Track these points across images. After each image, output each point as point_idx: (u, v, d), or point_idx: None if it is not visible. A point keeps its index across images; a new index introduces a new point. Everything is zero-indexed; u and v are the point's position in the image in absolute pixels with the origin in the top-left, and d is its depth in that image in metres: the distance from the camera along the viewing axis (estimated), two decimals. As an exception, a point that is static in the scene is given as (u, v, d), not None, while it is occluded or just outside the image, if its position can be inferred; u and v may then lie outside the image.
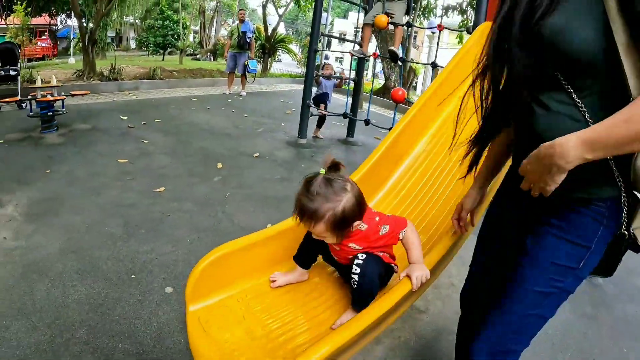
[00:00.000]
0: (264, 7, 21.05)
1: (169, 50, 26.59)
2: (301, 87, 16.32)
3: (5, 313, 2.74)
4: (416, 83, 24.31)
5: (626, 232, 1.36)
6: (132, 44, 40.85)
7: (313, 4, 21.82)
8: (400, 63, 7.14)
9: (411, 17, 17.13)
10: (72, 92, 8.02)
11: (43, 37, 29.15)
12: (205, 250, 3.29)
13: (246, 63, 12.01)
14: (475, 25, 5.04)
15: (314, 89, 7.91)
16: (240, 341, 1.97)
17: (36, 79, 7.71)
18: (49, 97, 6.97)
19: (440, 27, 6.09)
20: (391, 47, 6.70)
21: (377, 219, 2.09)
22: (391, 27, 6.79)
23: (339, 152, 7.58)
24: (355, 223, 1.97)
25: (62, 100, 7.25)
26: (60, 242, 3.65)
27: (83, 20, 14.12)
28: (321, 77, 8.18)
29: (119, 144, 6.54)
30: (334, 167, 2.01)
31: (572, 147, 1.17)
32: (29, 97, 7.10)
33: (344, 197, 1.88)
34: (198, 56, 29.93)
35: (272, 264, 2.46)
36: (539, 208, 1.51)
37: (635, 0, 1.12)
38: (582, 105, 1.29)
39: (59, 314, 2.78)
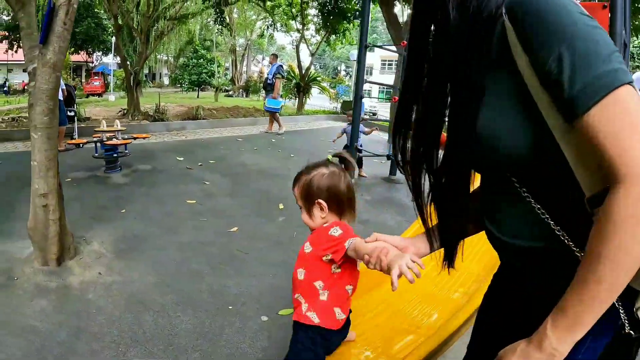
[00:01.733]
0: (297, 46, 21.60)
1: (202, 87, 27.29)
2: (336, 123, 16.78)
3: (118, 341, 3.10)
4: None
5: (631, 332, 1.09)
6: (166, 81, 41.85)
7: (341, 40, 22.45)
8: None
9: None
10: (134, 135, 8.47)
11: (96, 77, 30.25)
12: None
13: (264, 102, 12.75)
14: None
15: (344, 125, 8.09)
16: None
17: (101, 123, 8.10)
18: (115, 141, 7.41)
19: None
20: None
21: (337, 222, 2.02)
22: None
23: (383, 190, 7.91)
24: (319, 206, 2.03)
25: (125, 144, 7.69)
26: (153, 277, 4.02)
27: (127, 62, 14.76)
28: (345, 127, 8.50)
29: (183, 185, 6.94)
30: (342, 160, 2.13)
31: (558, 344, 0.99)
32: (94, 139, 7.52)
33: (319, 172, 2.04)
34: (231, 93, 30.56)
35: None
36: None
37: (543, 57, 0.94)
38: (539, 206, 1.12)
39: (170, 341, 3.13)
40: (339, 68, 62.96)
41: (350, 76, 49.01)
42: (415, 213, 1.45)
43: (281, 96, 13.02)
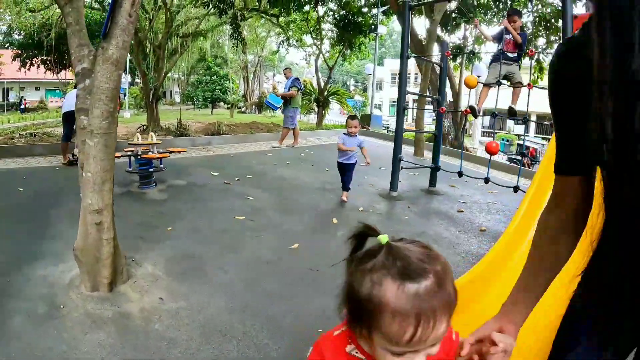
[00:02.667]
0: (316, 61, 21.43)
1: (214, 104, 27.19)
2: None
3: (205, 378, 2.67)
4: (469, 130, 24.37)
5: None
6: (177, 99, 41.89)
7: (357, 55, 22.30)
8: (520, 120, 7.49)
9: (462, 61, 17.51)
10: (170, 149, 8.13)
11: None
12: None
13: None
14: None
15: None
16: None
17: (136, 136, 7.77)
18: (152, 155, 7.03)
19: (530, 86, 6.39)
20: (511, 105, 7.24)
21: None
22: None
23: (427, 202, 7.72)
24: None
25: (161, 158, 7.28)
26: (224, 301, 3.65)
27: (146, 77, 14.55)
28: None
29: (225, 200, 6.59)
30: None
31: None
32: (128, 152, 7.14)
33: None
34: (243, 109, 30.47)
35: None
36: None
37: None
38: None
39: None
40: (348, 83, 63.22)
41: (364, 90, 49.22)
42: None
43: (298, 110, 12.71)
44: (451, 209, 7.30)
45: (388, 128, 21.29)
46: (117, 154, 7.46)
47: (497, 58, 7.33)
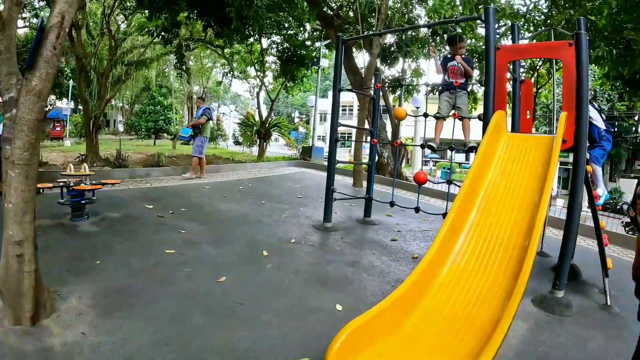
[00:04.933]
0: (258, 93, 21.54)
1: (157, 134, 26.94)
2: (299, 169, 16.64)
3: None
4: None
5: None
6: (120, 128, 41.30)
7: (299, 87, 22.57)
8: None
9: (401, 93, 17.94)
10: (103, 181, 8.01)
11: (57, 123, 30.18)
12: (294, 331, 3.66)
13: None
14: (485, 113, 5.82)
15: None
16: None
17: (68, 167, 7.65)
18: (84, 186, 6.94)
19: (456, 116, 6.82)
20: (466, 142, 7.11)
21: None
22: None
23: (362, 232, 7.82)
24: None
25: (94, 189, 7.19)
26: (148, 335, 3.64)
27: (88, 105, 14.40)
28: None
29: (159, 234, 6.53)
30: None
31: None
32: (60, 183, 7.01)
33: None
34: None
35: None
36: None
37: None
38: None
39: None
40: (292, 115, 63.61)
41: (306, 122, 49.55)
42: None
43: (208, 138, 12.83)
44: (385, 238, 7.49)
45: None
46: (49, 185, 7.44)
47: (446, 88, 7.27)
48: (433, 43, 15.31)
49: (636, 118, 37.18)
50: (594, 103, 6.93)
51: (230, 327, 3.87)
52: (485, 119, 5.75)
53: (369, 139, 9.07)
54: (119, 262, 5.22)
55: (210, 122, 12.52)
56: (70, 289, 4.33)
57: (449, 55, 7.38)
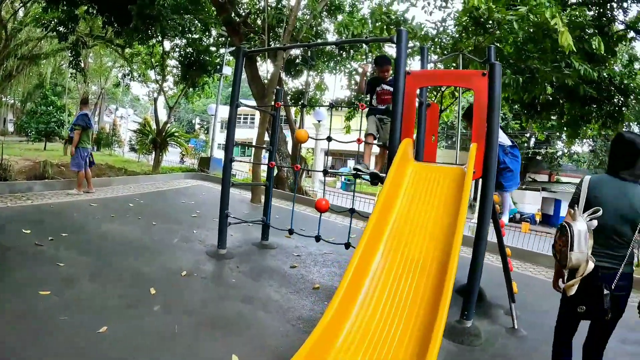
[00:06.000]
0: (155, 99, 20.58)
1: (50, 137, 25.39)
2: (196, 182, 16.08)
3: None
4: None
5: None
6: (10, 127, 38.81)
7: (199, 94, 21.92)
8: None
9: (302, 103, 17.76)
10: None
11: None
12: None
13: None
14: (392, 142, 5.68)
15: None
16: None
17: None
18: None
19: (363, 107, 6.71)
20: (374, 170, 6.59)
21: None
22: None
23: (259, 258, 7.52)
24: None
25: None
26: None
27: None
28: None
29: (34, 269, 5.67)
30: None
31: None
32: None
33: None
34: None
35: None
36: None
37: None
38: None
39: None
40: (194, 121, 62.37)
41: (207, 130, 48.67)
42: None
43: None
44: (284, 265, 7.21)
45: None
46: None
47: (372, 112, 6.91)
48: (365, 61, 15.23)
49: (528, 135, 39.42)
50: None
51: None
52: (391, 147, 5.60)
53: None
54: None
55: (90, 130, 11.32)
56: None
57: (377, 77, 6.99)
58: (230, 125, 7.55)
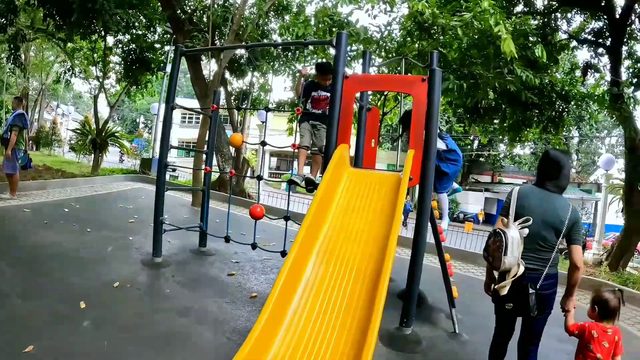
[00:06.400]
0: (95, 97, 19.81)
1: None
2: (136, 184, 15.67)
3: None
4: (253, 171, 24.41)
5: None
6: (-54, 124, 37.15)
7: (142, 93, 21.34)
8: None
9: (246, 105, 17.53)
10: None
11: None
12: None
13: None
14: (327, 147, 5.56)
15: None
16: None
17: None
18: None
19: (299, 111, 6.33)
20: (309, 176, 6.51)
21: None
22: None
23: (196, 266, 7.31)
24: None
25: None
26: None
27: None
28: None
29: None
30: None
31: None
32: None
33: None
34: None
35: None
36: None
37: None
38: None
39: None
40: (137, 120, 61.17)
41: (150, 129, 47.72)
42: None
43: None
44: (222, 273, 7.04)
45: (174, 170, 20.52)
46: None
47: (306, 118, 6.81)
48: (306, 65, 15.12)
49: (471, 138, 40.15)
50: None
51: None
52: (327, 152, 5.50)
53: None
54: None
55: (25, 130, 10.61)
56: None
57: (315, 81, 6.87)
58: (165, 127, 7.30)
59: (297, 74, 16.52)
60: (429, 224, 5.63)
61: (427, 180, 5.28)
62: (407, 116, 6.17)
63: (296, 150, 6.50)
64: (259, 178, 7.09)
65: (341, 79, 5.56)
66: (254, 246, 6.57)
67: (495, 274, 3.97)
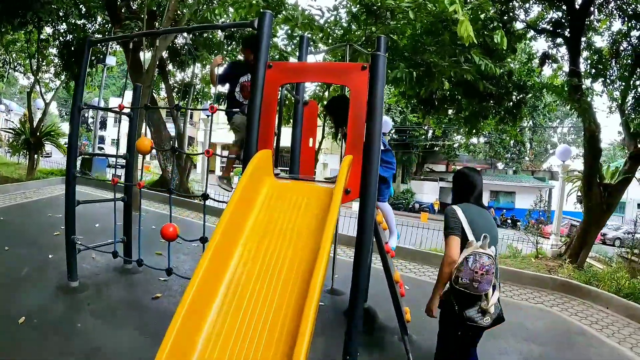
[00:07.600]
0: (29, 93, 18.47)
1: None
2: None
3: None
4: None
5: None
6: None
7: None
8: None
9: (187, 100, 16.51)
10: None
11: None
12: None
13: None
14: (246, 152, 4.43)
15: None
16: None
17: None
18: None
19: (214, 110, 5.11)
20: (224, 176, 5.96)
21: None
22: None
23: (120, 288, 6.45)
24: None
25: None
26: None
27: None
28: None
29: None
30: None
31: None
32: None
33: None
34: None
35: None
36: None
37: None
38: None
39: None
40: (86, 115, 59.15)
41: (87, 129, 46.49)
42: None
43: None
44: (145, 296, 6.17)
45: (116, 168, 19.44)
46: None
47: (241, 109, 5.52)
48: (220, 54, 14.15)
49: (426, 128, 40.18)
50: None
51: None
52: (245, 158, 4.36)
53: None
54: None
55: None
56: None
57: (242, 62, 5.89)
58: (72, 133, 6.33)
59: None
60: (374, 241, 4.82)
61: (370, 194, 4.20)
62: (338, 103, 5.43)
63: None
64: (205, 197, 5.58)
65: (263, 69, 4.45)
66: (168, 272, 5.75)
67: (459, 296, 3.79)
